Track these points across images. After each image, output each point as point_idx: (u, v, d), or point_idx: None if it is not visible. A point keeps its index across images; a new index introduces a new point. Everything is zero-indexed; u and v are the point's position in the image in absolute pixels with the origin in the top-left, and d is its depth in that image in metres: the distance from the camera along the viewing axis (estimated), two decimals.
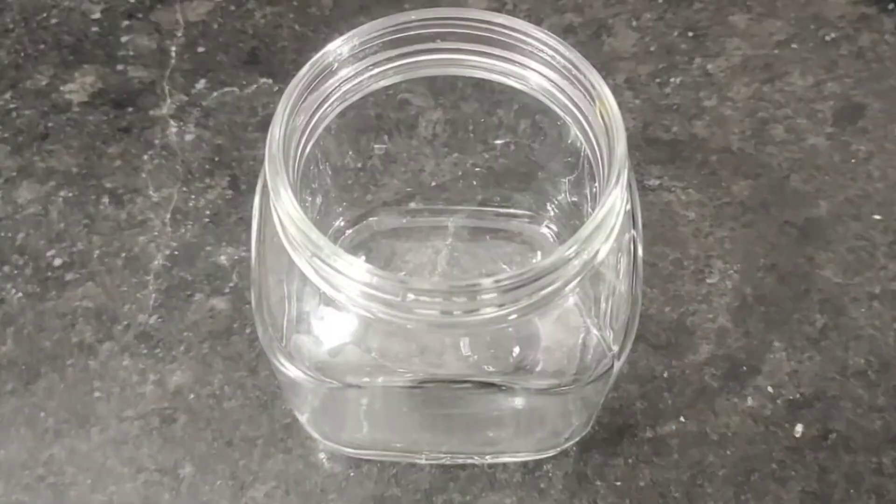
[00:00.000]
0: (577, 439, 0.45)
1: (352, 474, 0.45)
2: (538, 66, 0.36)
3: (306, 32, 0.60)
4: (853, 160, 0.55)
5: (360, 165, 0.47)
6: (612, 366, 0.37)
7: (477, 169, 0.48)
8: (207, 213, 0.53)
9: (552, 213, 0.46)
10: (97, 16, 0.61)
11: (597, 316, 0.37)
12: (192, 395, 0.47)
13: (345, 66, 0.36)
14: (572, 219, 0.44)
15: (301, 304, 0.37)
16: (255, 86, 0.58)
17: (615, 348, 0.37)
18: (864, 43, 0.59)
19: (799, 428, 0.46)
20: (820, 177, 0.54)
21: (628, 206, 0.36)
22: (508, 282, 0.30)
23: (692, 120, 0.56)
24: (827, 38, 0.59)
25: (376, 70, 0.37)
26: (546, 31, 0.35)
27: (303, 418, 0.45)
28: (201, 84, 0.58)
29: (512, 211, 0.48)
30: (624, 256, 0.37)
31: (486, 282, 0.30)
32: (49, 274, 0.51)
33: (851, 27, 0.60)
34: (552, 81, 0.36)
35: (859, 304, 0.50)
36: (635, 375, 0.47)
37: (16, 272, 0.51)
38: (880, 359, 0.48)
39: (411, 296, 0.30)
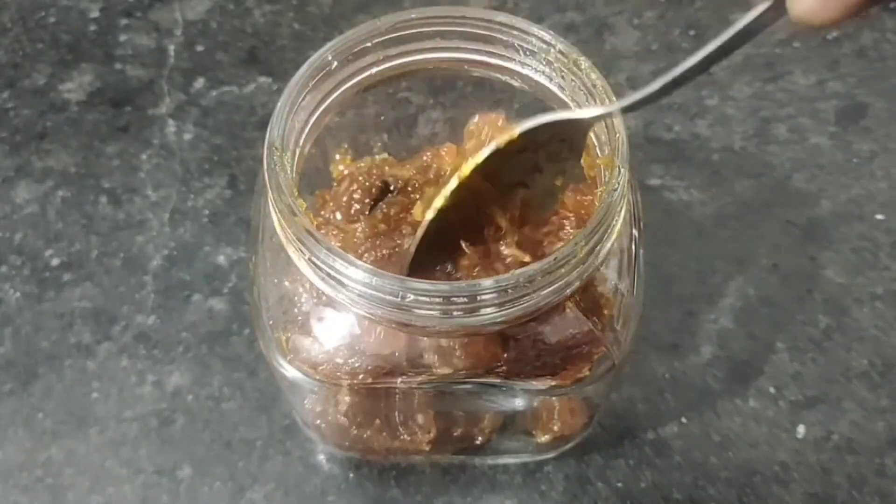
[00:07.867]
0: (577, 440, 0.45)
1: (352, 476, 0.45)
2: (538, 65, 0.36)
3: (306, 31, 0.60)
4: (856, 159, 0.54)
5: None
6: (614, 367, 0.37)
7: None
8: (206, 212, 0.53)
9: None
10: (95, 14, 0.61)
11: (598, 317, 0.36)
12: (190, 397, 0.47)
13: (344, 64, 0.35)
14: None
15: (300, 305, 0.36)
16: (254, 85, 0.58)
17: (616, 350, 0.36)
18: (866, 42, 0.59)
19: (802, 429, 0.46)
20: (822, 176, 0.54)
21: (630, 206, 0.36)
22: (508, 282, 0.30)
23: (694, 119, 0.56)
24: (829, 36, 0.59)
25: (376, 69, 0.36)
26: (547, 29, 0.35)
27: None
28: (200, 83, 0.58)
29: None
30: (625, 257, 0.37)
31: (487, 282, 0.30)
32: (47, 274, 0.51)
33: (853, 26, 0.60)
34: (553, 80, 0.36)
35: (862, 304, 0.49)
36: (637, 377, 0.47)
37: (13, 272, 0.51)
38: (884, 360, 0.48)
39: (411, 296, 0.30)
